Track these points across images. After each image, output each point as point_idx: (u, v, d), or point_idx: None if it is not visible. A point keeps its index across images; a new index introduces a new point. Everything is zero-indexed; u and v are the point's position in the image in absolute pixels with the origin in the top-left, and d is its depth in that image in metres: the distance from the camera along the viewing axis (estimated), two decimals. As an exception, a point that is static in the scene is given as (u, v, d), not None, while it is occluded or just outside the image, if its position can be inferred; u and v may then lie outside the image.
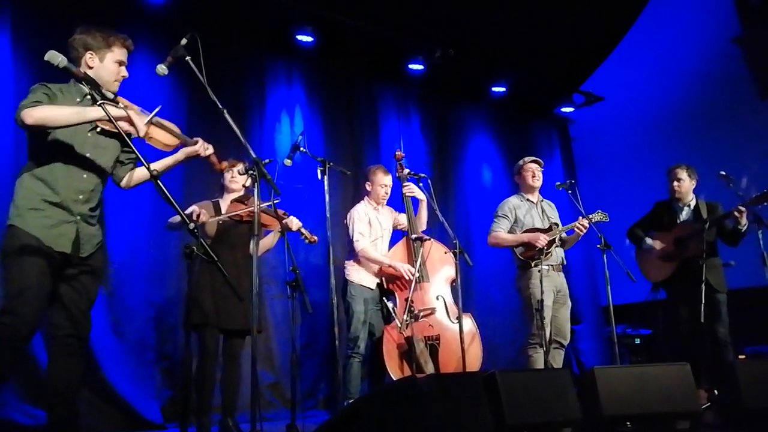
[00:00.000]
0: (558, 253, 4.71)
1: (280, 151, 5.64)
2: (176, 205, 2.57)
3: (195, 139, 2.99)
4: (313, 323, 5.46)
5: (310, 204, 5.50)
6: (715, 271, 4.77)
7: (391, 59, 6.42)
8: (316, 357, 5.58)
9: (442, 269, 4.71)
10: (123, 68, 2.96)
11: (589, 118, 7.93)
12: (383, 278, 4.63)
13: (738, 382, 3.59)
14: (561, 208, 5.10)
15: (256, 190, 2.94)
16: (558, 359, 4.60)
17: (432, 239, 4.71)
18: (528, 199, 4.87)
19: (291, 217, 4.04)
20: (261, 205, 3.40)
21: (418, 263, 4.49)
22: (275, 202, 3.46)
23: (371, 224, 4.69)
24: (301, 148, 4.14)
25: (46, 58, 2.70)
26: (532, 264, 4.51)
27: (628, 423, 3.26)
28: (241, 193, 4.12)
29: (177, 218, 3.80)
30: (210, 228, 3.91)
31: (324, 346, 5.56)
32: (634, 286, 4.99)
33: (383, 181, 4.77)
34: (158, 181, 2.50)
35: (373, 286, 4.64)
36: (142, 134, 2.72)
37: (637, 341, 6.55)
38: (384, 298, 4.58)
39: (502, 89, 7.08)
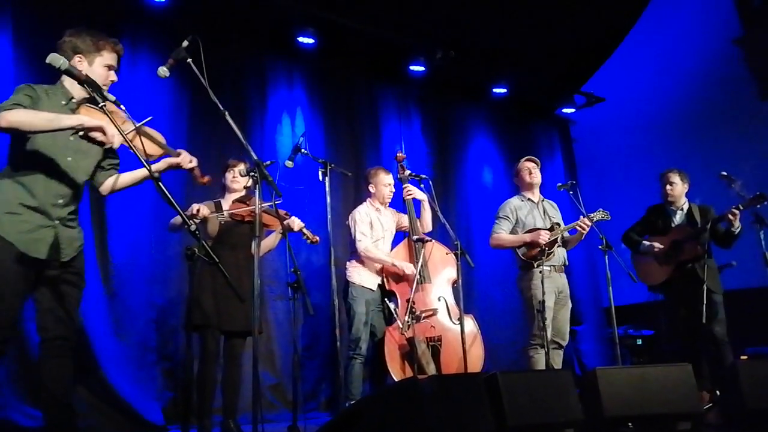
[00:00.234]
0: (560, 254, 4.71)
1: (281, 153, 5.64)
2: (177, 206, 2.57)
3: (178, 150, 2.97)
4: (315, 324, 5.46)
5: (312, 205, 5.51)
6: (711, 273, 4.78)
7: (391, 60, 6.42)
8: (318, 358, 5.58)
9: (443, 270, 4.71)
10: (112, 73, 2.92)
11: (590, 118, 7.94)
12: (385, 279, 4.64)
13: (740, 383, 3.59)
14: (562, 208, 5.10)
15: (257, 192, 2.94)
16: (557, 360, 4.59)
17: (433, 240, 4.71)
18: (529, 199, 4.87)
19: (293, 217, 4.04)
20: (263, 206, 3.41)
21: (420, 264, 4.49)
22: (277, 203, 3.46)
23: (373, 225, 4.69)
24: (302, 150, 4.14)
25: (47, 60, 2.70)
26: (534, 264, 4.51)
27: (629, 424, 3.26)
28: (243, 193, 4.13)
29: (178, 219, 3.80)
30: (211, 228, 3.91)
31: (325, 348, 5.56)
32: (636, 286, 5.01)
33: (386, 181, 4.78)
34: (159, 183, 2.50)
35: (375, 287, 4.65)
36: (116, 146, 2.68)
37: (639, 342, 6.55)
38: (385, 299, 4.58)
39: (503, 90, 7.08)
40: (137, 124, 2.71)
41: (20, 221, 2.70)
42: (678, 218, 5.05)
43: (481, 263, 6.21)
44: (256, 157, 2.92)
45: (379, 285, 4.66)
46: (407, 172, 4.75)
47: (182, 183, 4.97)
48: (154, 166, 2.97)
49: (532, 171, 4.86)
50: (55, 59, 2.65)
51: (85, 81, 2.71)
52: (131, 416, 4.49)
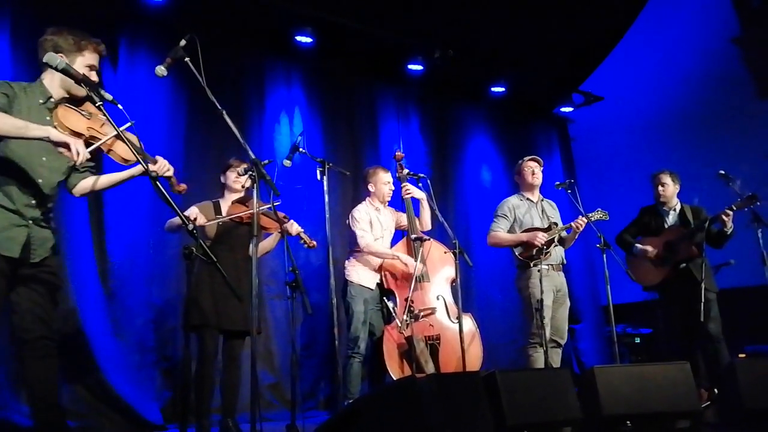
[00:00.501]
0: (558, 253, 4.72)
1: (279, 152, 5.64)
2: (175, 207, 2.57)
3: (156, 157, 2.95)
4: (313, 324, 5.46)
5: (310, 204, 5.51)
6: (705, 272, 4.80)
7: (390, 60, 6.42)
8: (316, 357, 5.58)
9: (442, 269, 4.71)
10: (93, 73, 2.89)
11: (588, 117, 7.94)
12: (383, 278, 4.63)
13: (738, 382, 3.59)
14: (561, 207, 5.11)
15: (255, 191, 2.94)
16: (556, 358, 4.60)
17: (432, 239, 4.72)
18: (528, 199, 4.87)
19: (291, 221, 4.04)
20: (262, 208, 3.41)
21: (418, 263, 4.49)
22: (276, 204, 3.46)
23: (372, 224, 4.69)
24: (301, 149, 4.15)
25: (44, 59, 2.70)
26: (531, 264, 4.52)
27: (628, 422, 3.26)
28: (242, 194, 4.12)
29: (176, 220, 3.80)
30: (209, 229, 3.91)
31: (324, 347, 5.56)
32: (634, 285, 5.02)
33: (386, 179, 4.79)
34: (157, 183, 2.50)
35: (373, 286, 4.65)
36: (79, 162, 2.63)
37: (637, 340, 6.56)
38: (384, 298, 4.58)
39: (501, 89, 7.08)
40: (118, 129, 2.68)
41: None
42: (671, 219, 5.09)
43: (480, 262, 6.22)
44: (253, 156, 2.92)
45: (377, 284, 4.67)
46: (406, 171, 4.75)
47: (180, 182, 4.96)
48: (128, 171, 2.97)
49: (534, 171, 4.86)
50: (51, 58, 2.65)
51: (82, 80, 2.70)
52: (130, 416, 4.49)
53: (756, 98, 6.73)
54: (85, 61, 2.85)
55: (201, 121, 5.23)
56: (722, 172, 4.87)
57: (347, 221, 4.80)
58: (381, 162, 5.75)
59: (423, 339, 4.43)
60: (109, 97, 2.67)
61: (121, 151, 2.81)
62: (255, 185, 2.93)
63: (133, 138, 2.86)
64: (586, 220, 4.58)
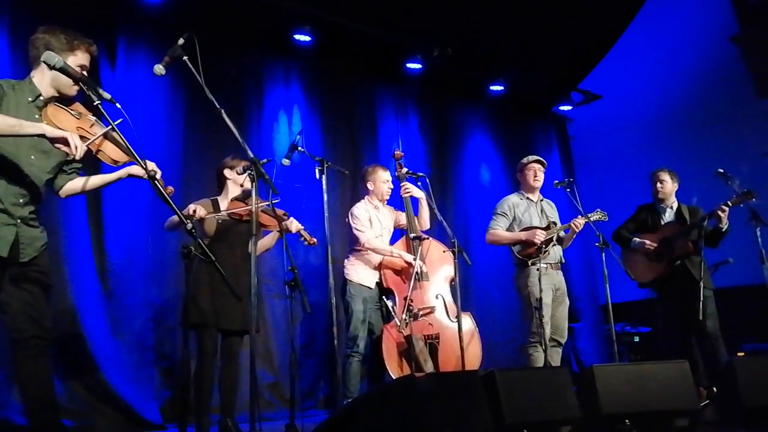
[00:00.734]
0: (556, 252, 4.72)
1: (278, 151, 5.64)
2: (173, 205, 2.57)
3: (143, 160, 2.95)
4: (312, 323, 5.46)
5: (309, 203, 5.50)
6: (701, 269, 4.80)
7: (389, 58, 6.42)
8: (315, 356, 5.58)
9: (441, 268, 4.71)
10: (84, 74, 2.86)
11: (587, 116, 7.94)
12: (383, 277, 4.63)
13: (737, 380, 3.60)
14: (560, 206, 5.11)
15: (254, 190, 2.93)
16: (556, 357, 4.61)
17: (431, 238, 4.71)
18: (528, 198, 4.88)
19: (291, 218, 4.04)
20: (261, 205, 3.40)
21: (418, 262, 4.49)
22: (274, 202, 3.45)
23: (372, 222, 4.69)
24: (299, 148, 4.14)
25: (42, 58, 2.70)
26: (530, 262, 4.52)
27: (627, 421, 3.26)
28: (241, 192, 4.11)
29: (176, 218, 3.79)
30: (209, 226, 3.90)
31: (323, 346, 5.56)
32: (633, 284, 5.03)
33: (384, 177, 4.79)
34: (155, 182, 2.50)
35: (373, 285, 4.65)
36: (78, 157, 2.64)
37: (636, 339, 6.56)
38: (383, 297, 4.58)
39: (500, 88, 7.09)
40: (106, 129, 2.67)
41: None
42: (667, 216, 5.11)
43: (479, 261, 6.22)
44: (252, 155, 2.91)
45: (377, 283, 4.66)
46: (405, 169, 4.75)
47: (180, 182, 4.97)
48: (118, 173, 2.96)
49: (537, 174, 4.85)
50: (50, 57, 2.64)
51: (80, 80, 2.70)
52: (129, 415, 4.49)
53: (754, 96, 6.74)
54: (77, 61, 2.84)
55: (199, 120, 5.22)
56: (721, 170, 4.88)
57: (346, 220, 4.79)
58: (380, 161, 5.75)
59: (422, 338, 4.43)
60: (107, 96, 2.67)
61: (110, 152, 2.81)
62: (254, 184, 2.92)
63: (123, 139, 2.85)
64: (584, 221, 4.58)
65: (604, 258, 4.43)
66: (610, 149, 7.74)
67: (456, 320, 4.29)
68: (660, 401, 3.35)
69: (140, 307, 4.81)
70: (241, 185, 4.01)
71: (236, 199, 4.00)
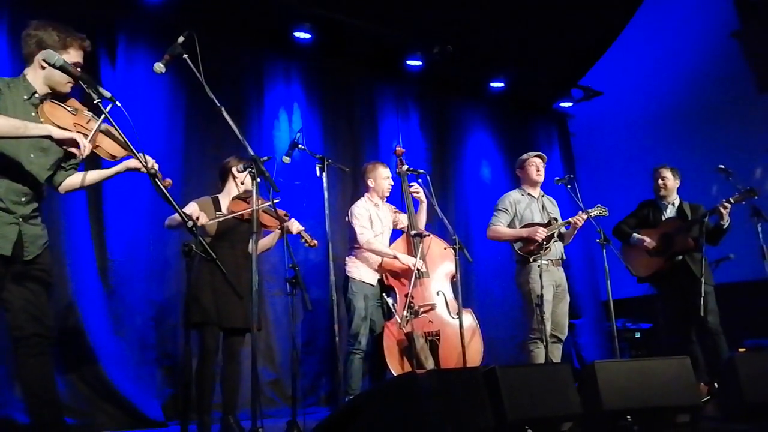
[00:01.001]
0: (557, 248, 4.72)
1: (278, 149, 5.64)
2: (175, 204, 2.57)
3: (140, 154, 2.95)
4: (314, 320, 5.46)
5: (309, 201, 5.51)
6: (701, 266, 4.80)
7: (389, 56, 6.41)
8: (317, 354, 5.59)
9: (441, 265, 4.71)
10: (78, 70, 2.83)
11: (587, 112, 7.93)
12: (384, 274, 4.64)
13: (738, 376, 3.60)
14: (560, 203, 5.11)
15: (254, 188, 2.93)
16: (556, 353, 4.61)
17: (432, 235, 4.72)
18: (529, 194, 4.87)
19: (292, 219, 4.04)
20: (262, 205, 3.40)
21: (419, 259, 4.49)
22: (275, 201, 3.45)
23: (372, 220, 4.69)
24: (300, 146, 4.14)
25: (42, 57, 2.70)
26: (531, 259, 4.52)
27: (628, 417, 3.26)
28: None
29: (177, 217, 3.78)
30: (210, 226, 3.90)
31: (324, 343, 5.57)
32: (634, 280, 5.03)
33: (385, 174, 4.79)
34: (156, 180, 2.49)
35: (374, 282, 4.65)
36: (85, 154, 2.65)
37: (637, 335, 6.56)
38: (384, 294, 4.58)
39: (500, 85, 7.08)
40: (102, 125, 2.67)
41: None
42: (669, 213, 5.11)
43: (480, 258, 6.22)
44: (253, 153, 2.91)
45: (378, 280, 4.66)
46: (406, 166, 4.75)
47: (180, 180, 4.97)
48: (116, 167, 2.96)
49: (539, 168, 4.86)
50: (49, 56, 2.64)
51: (80, 78, 2.70)
52: (131, 413, 4.50)
53: (755, 92, 6.72)
54: (70, 58, 2.81)
55: (200, 118, 5.22)
56: (721, 166, 4.88)
57: (346, 218, 4.79)
58: (380, 158, 5.74)
59: (423, 335, 4.43)
60: (107, 94, 2.66)
61: (108, 147, 2.81)
62: (254, 182, 2.92)
63: (119, 133, 2.85)
64: (585, 216, 4.58)
65: (605, 254, 4.43)
66: (610, 146, 7.74)
67: (457, 317, 4.29)
68: (661, 397, 3.35)
69: (142, 305, 4.82)
70: (242, 183, 4.01)
71: (237, 198, 4.00)
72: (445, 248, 4.67)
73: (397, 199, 4.89)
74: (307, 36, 5.72)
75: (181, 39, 2.89)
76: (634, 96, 7.52)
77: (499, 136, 7.37)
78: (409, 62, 6.42)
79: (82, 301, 4.51)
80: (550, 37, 6.67)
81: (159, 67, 2.89)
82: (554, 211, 4.91)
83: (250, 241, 2.91)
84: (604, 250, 4.44)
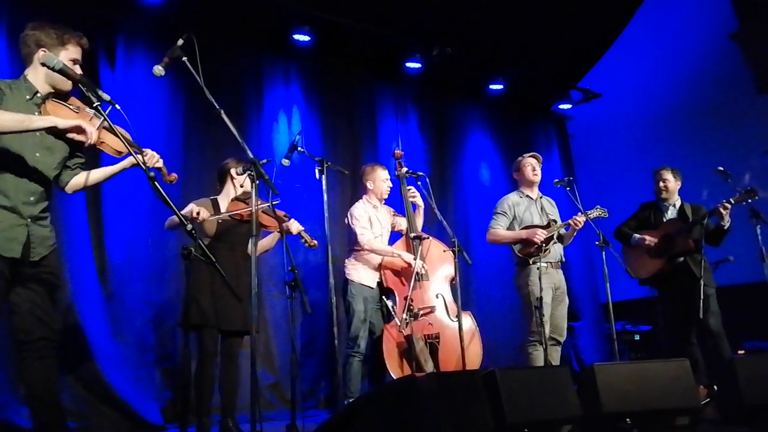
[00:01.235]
0: (557, 250, 4.72)
1: (277, 151, 5.63)
2: (174, 207, 2.56)
3: (144, 150, 2.94)
4: (313, 323, 5.45)
5: (309, 203, 5.50)
6: (703, 268, 4.79)
7: (388, 58, 6.41)
8: (316, 356, 5.58)
9: (441, 267, 4.71)
10: (77, 67, 2.85)
11: (586, 114, 7.94)
12: (383, 277, 4.63)
13: (737, 378, 3.60)
14: (560, 205, 5.11)
15: (254, 191, 2.93)
16: (555, 356, 4.60)
17: (431, 237, 4.71)
18: (527, 196, 4.87)
19: (292, 220, 4.04)
20: (262, 206, 3.40)
21: (418, 261, 4.49)
22: (275, 203, 3.45)
23: (371, 222, 4.69)
24: (299, 148, 4.14)
25: (41, 60, 2.70)
26: (531, 261, 4.52)
27: (628, 419, 3.26)
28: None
29: (176, 218, 3.78)
30: (209, 227, 3.90)
31: (323, 346, 5.56)
32: (633, 282, 5.02)
33: (384, 176, 4.79)
34: (155, 183, 2.49)
35: (374, 285, 4.64)
36: (92, 140, 2.66)
37: (637, 338, 6.56)
38: (383, 297, 4.58)
39: (499, 87, 7.09)
40: (104, 122, 2.67)
41: None
42: (670, 214, 5.11)
43: (479, 260, 6.22)
44: (252, 156, 2.91)
45: (378, 283, 4.66)
46: (405, 169, 4.75)
47: (179, 181, 4.95)
48: (120, 164, 2.96)
49: (535, 168, 4.86)
50: (49, 59, 2.64)
51: (79, 81, 2.70)
52: (130, 416, 4.49)
53: (754, 93, 6.73)
54: (68, 55, 2.82)
55: (199, 120, 5.22)
56: (720, 168, 4.88)
57: (345, 220, 4.79)
58: (380, 160, 5.74)
59: (422, 338, 4.43)
60: (106, 97, 2.67)
61: (113, 143, 2.81)
62: (254, 184, 2.92)
63: (122, 130, 2.86)
64: (584, 218, 4.58)
65: (604, 256, 4.43)
66: (609, 147, 7.74)
67: (456, 320, 4.29)
68: (661, 400, 3.35)
69: (141, 307, 4.81)
70: (241, 185, 4.01)
71: (237, 199, 4.00)
72: (444, 251, 4.67)
73: (397, 201, 4.89)
74: (306, 38, 5.73)
75: (180, 42, 2.89)
76: (633, 98, 7.52)
77: (498, 138, 7.38)
78: (408, 64, 6.42)
79: (81, 303, 4.50)
80: (549, 39, 6.68)
81: (158, 70, 2.89)
82: (553, 212, 4.91)
83: (250, 242, 2.90)
84: (604, 253, 4.44)
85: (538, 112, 7.84)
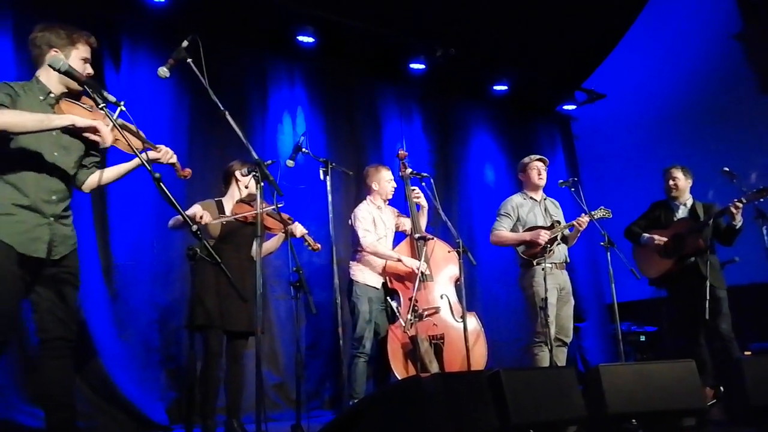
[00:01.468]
0: (561, 251, 4.71)
1: (282, 152, 5.64)
2: (179, 207, 2.57)
3: (158, 146, 2.95)
4: (318, 323, 5.46)
5: (313, 204, 5.51)
6: (714, 269, 4.77)
7: (392, 59, 6.42)
8: (321, 357, 5.58)
9: (445, 268, 4.70)
10: (88, 65, 2.88)
11: (591, 115, 7.93)
12: (388, 277, 4.63)
13: (743, 379, 3.58)
14: (564, 205, 5.10)
15: (259, 192, 2.94)
16: (561, 357, 4.59)
17: (435, 238, 4.71)
18: (531, 197, 4.87)
19: (296, 223, 4.05)
20: (266, 208, 3.40)
21: (423, 262, 4.48)
22: (279, 205, 3.45)
23: (375, 223, 4.69)
24: (303, 149, 4.14)
25: (48, 62, 2.71)
26: (535, 262, 4.51)
27: (633, 420, 3.25)
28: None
29: (180, 218, 3.80)
30: (213, 228, 3.91)
31: (328, 346, 5.56)
32: (639, 283, 4.99)
33: (388, 177, 4.79)
34: (161, 183, 2.50)
35: (378, 285, 4.64)
36: (108, 143, 2.68)
37: (642, 338, 6.54)
38: (388, 298, 4.58)
39: (503, 87, 7.08)
40: (117, 121, 2.69)
41: (16, 221, 2.66)
42: (681, 213, 5.03)
43: (484, 261, 6.21)
44: (257, 157, 2.92)
45: (383, 284, 4.66)
46: (409, 170, 4.74)
47: (184, 182, 4.96)
48: (133, 162, 2.97)
49: (541, 172, 4.85)
50: (55, 60, 2.66)
51: (85, 82, 2.71)
52: (135, 416, 4.50)
53: (759, 94, 6.71)
54: (79, 54, 2.84)
55: (204, 121, 5.23)
56: (726, 169, 4.84)
57: (349, 221, 4.79)
58: (384, 161, 5.74)
59: (427, 338, 4.42)
60: (112, 98, 2.68)
61: (126, 139, 2.82)
62: (258, 185, 2.93)
63: (135, 128, 2.88)
64: (588, 218, 4.57)
65: (609, 257, 4.42)
66: (614, 148, 7.72)
67: (461, 320, 4.28)
68: (666, 401, 3.33)
69: (146, 308, 4.82)
70: (246, 187, 4.02)
71: (241, 201, 4.01)
72: (449, 251, 4.66)
73: (401, 202, 4.89)
74: (310, 40, 5.74)
75: (185, 43, 2.90)
76: (638, 98, 7.51)
77: (502, 139, 7.37)
78: (412, 65, 6.42)
79: (87, 304, 4.51)
80: (553, 39, 6.68)
81: (163, 71, 2.90)
82: (557, 213, 4.90)
83: (254, 244, 2.91)
84: (608, 253, 4.43)
85: (542, 112, 7.83)
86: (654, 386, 3.34)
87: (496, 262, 6.45)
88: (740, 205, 4.63)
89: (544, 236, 4.54)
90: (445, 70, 6.52)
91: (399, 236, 4.90)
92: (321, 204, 4.97)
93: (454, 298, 4.63)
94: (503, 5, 6.15)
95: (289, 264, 3.69)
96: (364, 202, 4.81)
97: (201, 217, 3.68)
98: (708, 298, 4.51)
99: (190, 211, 3.74)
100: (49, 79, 2.82)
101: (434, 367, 4.37)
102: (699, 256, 4.79)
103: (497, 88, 7.08)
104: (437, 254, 4.68)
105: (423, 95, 6.86)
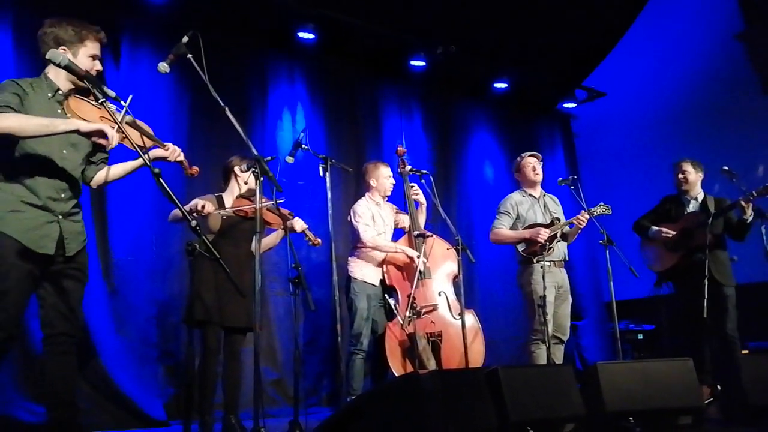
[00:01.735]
0: (560, 249, 4.71)
1: (282, 149, 5.64)
2: (178, 203, 2.57)
3: (166, 144, 2.96)
4: (316, 320, 5.46)
5: (312, 201, 5.51)
6: (722, 266, 4.74)
7: (392, 56, 6.41)
8: (319, 353, 5.59)
9: (444, 265, 4.71)
10: (97, 62, 2.89)
11: (591, 113, 7.92)
12: (385, 274, 4.63)
13: (741, 378, 3.59)
14: (564, 203, 5.10)
15: (258, 188, 2.94)
16: (558, 354, 4.60)
17: (434, 236, 4.71)
18: (530, 195, 4.87)
19: (296, 218, 4.05)
20: (266, 204, 3.40)
21: (421, 259, 4.49)
22: (279, 201, 3.45)
23: (374, 219, 4.69)
24: (303, 146, 4.14)
25: (47, 56, 2.71)
26: (534, 260, 4.51)
27: (631, 418, 3.26)
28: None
29: (179, 212, 3.79)
30: (213, 222, 3.91)
31: (326, 343, 5.57)
32: (637, 281, 4.98)
33: (387, 173, 4.80)
34: (160, 179, 2.50)
35: (376, 282, 4.65)
36: (113, 144, 2.68)
37: (640, 337, 6.55)
38: (386, 295, 4.58)
39: (504, 85, 7.08)
40: (124, 117, 2.69)
41: (25, 218, 2.68)
42: (691, 207, 4.97)
43: (482, 258, 6.21)
44: (256, 153, 2.92)
45: (381, 281, 4.66)
46: (408, 167, 4.74)
47: (183, 178, 4.96)
48: (140, 160, 2.97)
49: (535, 167, 4.85)
50: (55, 55, 2.65)
51: (85, 77, 2.71)
52: (133, 412, 4.50)
53: (760, 94, 6.71)
54: (87, 51, 2.85)
55: (204, 117, 5.23)
56: (726, 168, 4.83)
57: (348, 217, 4.79)
58: (383, 158, 5.72)
59: (425, 336, 4.43)
60: (112, 93, 2.68)
61: (134, 137, 2.83)
62: (258, 181, 2.93)
63: (143, 125, 2.89)
64: (588, 215, 4.57)
65: (608, 255, 4.43)
66: (614, 146, 7.72)
67: (459, 318, 4.29)
68: (664, 399, 3.34)
69: (144, 304, 4.83)
70: (246, 183, 4.02)
71: (242, 196, 4.00)
72: (447, 249, 4.67)
73: (400, 198, 4.89)
74: (310, 36, 5.73)
75: (185, 39, 2.90)
76: (638, 97, 7.50)
77: (502, 137, 7.37)
78: (412, 62, 6.42)
79: (85, 299, 4.42)
80: (553, 37, 6.66)
81: (163, 67, 2.90)
82: (557, 210, 4.90)
83: (254, 239, 2.91)
84: (607, 251, 4.43)
85: (542, 110, 7.83)
86: (652, 384, 3.35)
87: (495, 260, 6.45)
88: (751, 199, 4.59)
89: (543, 234, 4.54)
90: (445, 67, 6.51)
91: (398, 233, 4.90)
92: (320, 200, 4.97)
93: (452, 296, 4.63)
94: (504, 3, 6.14)
95: (287, 260, 3.69)
96: (363, 198, 4.82)
97: (203, 207, 3.68)
98: (706, 296, 4.47)
99: (189, 204, 3.74)
100: (57, 76, 2.82)
101: (432, 365, 4.38)
102: (705, 252, 4.67)
103: (497, 85, 7.08)
104: (436, 251, 4.69)
105: (423, 93, 6.86)
